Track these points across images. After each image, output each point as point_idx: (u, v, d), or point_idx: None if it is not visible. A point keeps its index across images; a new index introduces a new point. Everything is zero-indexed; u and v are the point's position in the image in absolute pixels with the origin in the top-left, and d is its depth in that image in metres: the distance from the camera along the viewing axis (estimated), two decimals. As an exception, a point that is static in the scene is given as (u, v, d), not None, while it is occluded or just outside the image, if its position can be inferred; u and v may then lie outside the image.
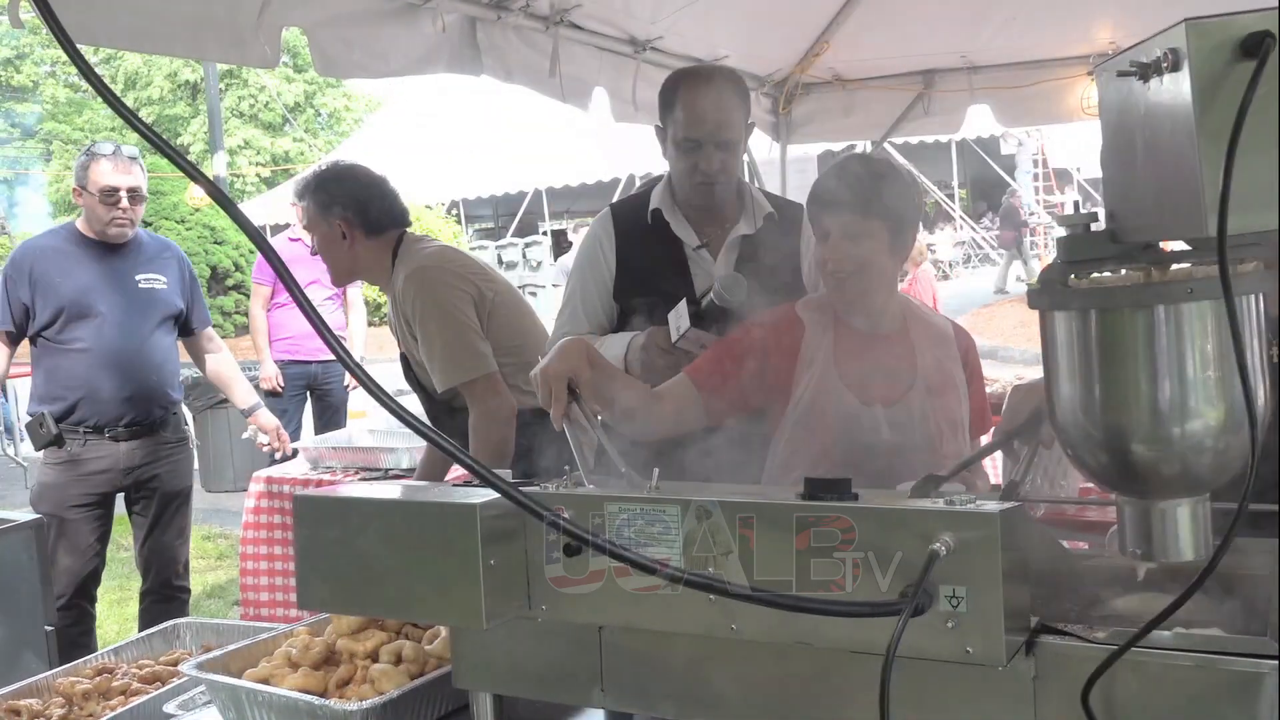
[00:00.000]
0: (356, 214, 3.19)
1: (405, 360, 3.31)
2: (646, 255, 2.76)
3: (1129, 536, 1.29)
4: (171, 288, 4.21)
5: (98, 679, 2.27)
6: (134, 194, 4.06)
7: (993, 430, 2.28)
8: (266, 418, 4.52)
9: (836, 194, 2.26)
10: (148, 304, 4.13)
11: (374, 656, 1.99)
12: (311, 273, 6.05)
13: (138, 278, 4.12)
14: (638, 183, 16.10)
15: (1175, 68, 1.07)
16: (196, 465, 4.59)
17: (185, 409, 4.50)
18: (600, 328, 2.76)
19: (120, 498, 4.20)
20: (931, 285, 10.54)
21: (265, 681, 1.94)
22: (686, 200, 2.75)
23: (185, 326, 4.33)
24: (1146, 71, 1.12)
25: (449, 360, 3.06)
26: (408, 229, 3.31)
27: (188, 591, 4.40)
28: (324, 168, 3.33)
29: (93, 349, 3.99)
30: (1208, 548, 1.25)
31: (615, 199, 3.31)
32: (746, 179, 3.17)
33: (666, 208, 2.76)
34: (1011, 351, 13.39)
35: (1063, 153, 22.32)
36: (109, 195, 4.01)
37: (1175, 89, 1.08)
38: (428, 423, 1.27)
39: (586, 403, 1.89)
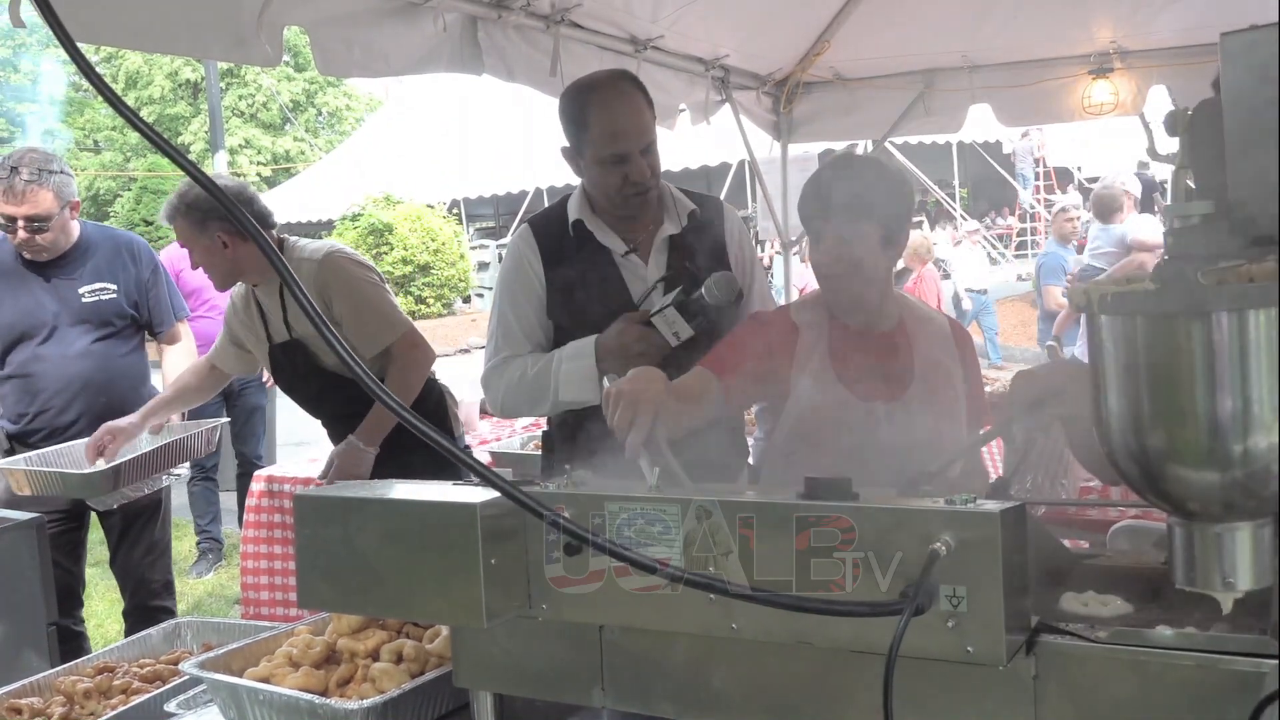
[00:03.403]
0: (232, 222, 3.39)
1: (293, 346, 3.50)
2: (575, 268, 2.72)
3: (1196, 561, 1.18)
4: (123, 293, 3.92)
5: (98, 678, 2.27)
6: (34, 223, 3.70)
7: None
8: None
9: (827, 197, 2.29)
10: (94, 319, 3.86)
11: (374, 655, 1.99)
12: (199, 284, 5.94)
13: (82, 291, 3.85)
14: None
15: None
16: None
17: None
18: (539, 345, 2.75)
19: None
20: (936, 284, 10.54)
21: (266, 680, 1.94)
22: (610, 209, 2.71)
23: (152, 327, 4.05)
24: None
25: (380, 323, 3.47)
26: (275, 230, 3.69)
27: (171, 612, 4.07)
28: (185, 189, 3.45)
29: (34, 374, 3.80)
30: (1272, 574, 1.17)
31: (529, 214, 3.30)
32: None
33: (587, 218, 2.72)
34: (1011, 351, 13.39)
35: (1060, 153, 22.29)
36: (7, 224, 3.71)
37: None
38: (426, 424, 1.27)
39: (662, 431, 1.83)
